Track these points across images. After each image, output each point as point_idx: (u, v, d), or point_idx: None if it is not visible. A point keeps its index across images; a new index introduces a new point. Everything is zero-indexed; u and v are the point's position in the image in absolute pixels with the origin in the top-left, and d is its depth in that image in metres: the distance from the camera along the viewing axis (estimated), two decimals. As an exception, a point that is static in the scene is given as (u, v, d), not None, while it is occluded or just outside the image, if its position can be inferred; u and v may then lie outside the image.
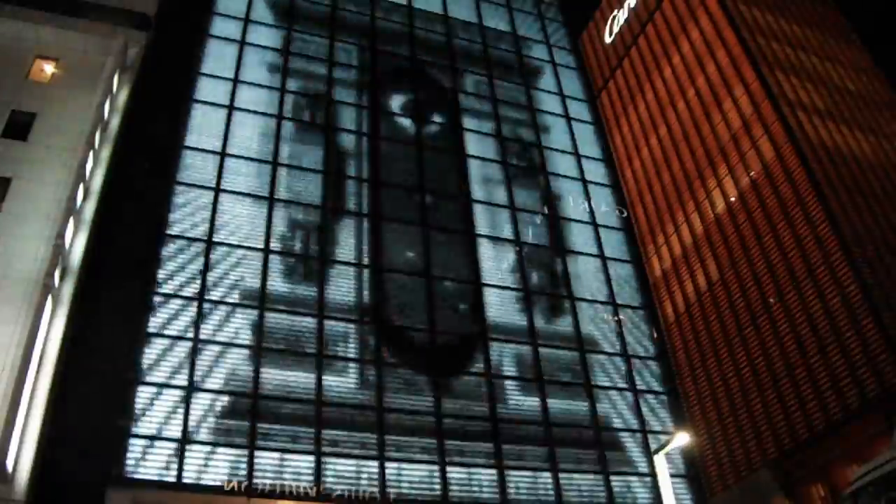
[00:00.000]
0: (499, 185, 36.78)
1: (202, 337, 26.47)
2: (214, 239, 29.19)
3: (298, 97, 36.11)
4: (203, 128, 32.68)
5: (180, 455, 23.77)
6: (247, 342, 26.97)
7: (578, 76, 46.24)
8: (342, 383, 27.42)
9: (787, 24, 42.78)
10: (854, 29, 46.27)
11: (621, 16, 51.21)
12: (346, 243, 31.43)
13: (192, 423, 24.51)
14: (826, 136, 35.84)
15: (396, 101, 38.52)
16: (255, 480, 23.98)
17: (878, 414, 26.94)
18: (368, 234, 32.04)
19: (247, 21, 38.20)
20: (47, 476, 21.56)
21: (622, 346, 32.99)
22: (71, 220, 24.72)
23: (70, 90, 28.81)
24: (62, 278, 24.22)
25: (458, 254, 33.13)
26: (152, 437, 23.89)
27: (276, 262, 29.60)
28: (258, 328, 27.33)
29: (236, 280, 28.51)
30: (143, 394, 24.60)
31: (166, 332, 26.19)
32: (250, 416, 25.28)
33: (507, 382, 29.75)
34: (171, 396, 24.87)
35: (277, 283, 28.98)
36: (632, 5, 50.31)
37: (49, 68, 29.59)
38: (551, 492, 27.32)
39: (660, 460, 20.95)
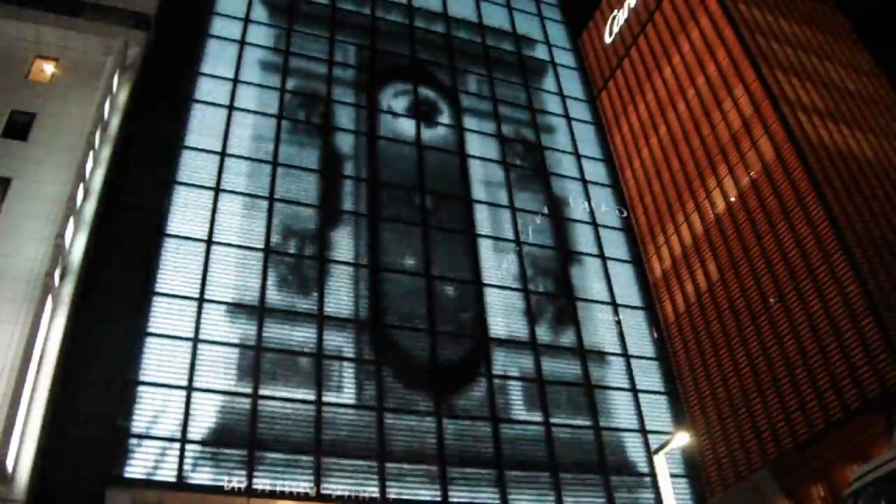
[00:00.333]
0: (500, 187, 36.78)
1: (202, 337, 26.47)
2: (214, 239, 29.19)
3: (297, 96, 36.11)
4: (203, 128, 32.68)
5: (180, 455, 23.76)
6: (247, 342, 26.97)
7: (578, 76, 46.24)
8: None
9: (787, 24, 42.79)
10: (854, 29, 46.27)
11: (621, 16, 51.21)
12: (344, 246, 31.38)
13: (192, 423, 24.50)
14: (826, 136, 35.85)
15: (398, 102, 38.52)
16: (255, 480, 23.98)
17: (878, 414, 26.96)
18: (366, 238, 31.99)
19: (247, 21, 38.21)
20: (47, 476, 21.57)
21: (622, 347, 32.98)
22: (71, 220, 24.72)
23: (70, 90, 28.82)
24: (62, 278, 24.23)
25: (459, 254, 33.11)
26: (152, 437, 23.89)
27: (273, 267, 29.59)
28: (258, 329, 27.33)
29: (236, 280, 28.52)
30: (142, 394, 24.59)
31: (166, 331, 26.19)
32: (250, 415, 25.28)
33: (511, 390, 29.74)
34: (171, 396, 24.85)
35: (273, 292, 28.93)
36: (632, 5, 50.32)
37: (49, 68, 29.60)
38: (552, 493, 27.33)
39: (660, 460, 20.96)
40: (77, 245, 25.31)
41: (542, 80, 44.09)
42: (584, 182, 39.25)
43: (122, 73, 30.36)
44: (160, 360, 25.49)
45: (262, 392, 25.93)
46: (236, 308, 27.73)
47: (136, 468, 23.24)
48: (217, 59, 35.65)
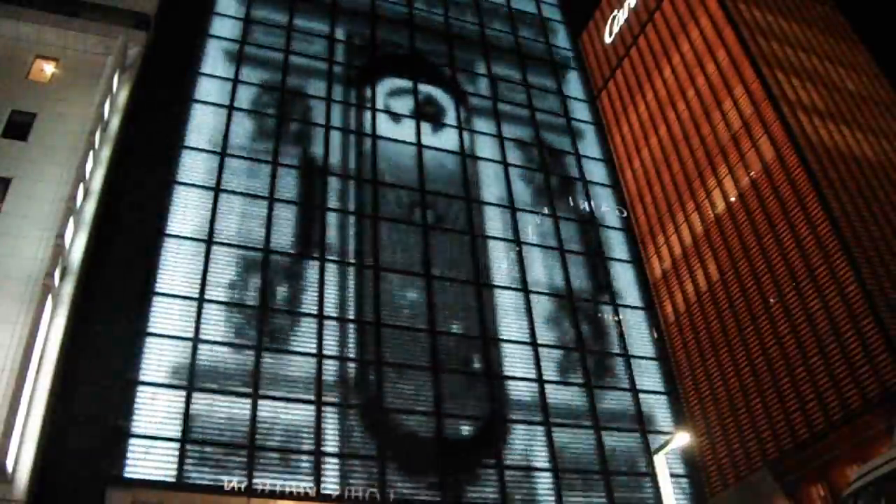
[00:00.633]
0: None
1: (202, 337, 26.47)
2: (214, 239, 29.19)
3: (298, 96, 36.12)
4: (203, 128, 32.67)
5: (180, 455, 23.77)
6: (247, 342, 26.96)
7: (578, 76, 46.25)
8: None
9: (787, 24, 42.79)
10: (854, 29, 46.26)
11: (621, 16, 51.20)
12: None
13: (192, 423, 24.50)
14: (826, 136, 35.85)
15: (395, 101, 38.50)
16: (255, 480, 23.98)
17: (878, 414, 26.94)
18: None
19: (247, 21, 38.20)
20: (47, 476, 21.57)
21: (622, 346, 32.98)
22: (71, 220, 24.73)
23: (70, 90, 28.83)
24: (62, 278, 24.23)
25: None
26: (152, 437, 23.89)
27: (273, 268, 29.59)
28: (258, 328, 27.32)
29: (236, 280, 28.51)
30: (142, 394, 24.59)
31: (166, 331, 26.19)
32: (251, 415, 25.27)
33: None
34: (171, 396, 24.86)
35: (273, 292, 28.93)
36: (632, 5, 50.31)
37: (49, 68, 29.60)
38: (552, 494, 27.33)
39: (660, 460, 20.95)
40: (77, 245, 25.31)
41: (542, 79, 44.08)
42: (584, 182, 39.27)
43: (122, 73, 30.35)
44: (160, 360, 25.49)
45: (262, 392, 25.93)
46: (236, 308, 27.73)
47: (136, 468, 23.24)
48: (217, 59, 35.66)
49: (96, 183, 27.24)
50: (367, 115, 36.95)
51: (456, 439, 27.68)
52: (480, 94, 40.95)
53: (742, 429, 32.58)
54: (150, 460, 23.50)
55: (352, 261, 30.96)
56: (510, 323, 31.76)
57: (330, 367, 27.58)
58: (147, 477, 23.17)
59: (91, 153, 26.83)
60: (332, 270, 30.35)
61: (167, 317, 26.53)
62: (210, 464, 23.99)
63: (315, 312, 28.64)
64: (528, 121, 40.97)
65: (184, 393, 24.97)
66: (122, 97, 30.17)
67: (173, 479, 23.31)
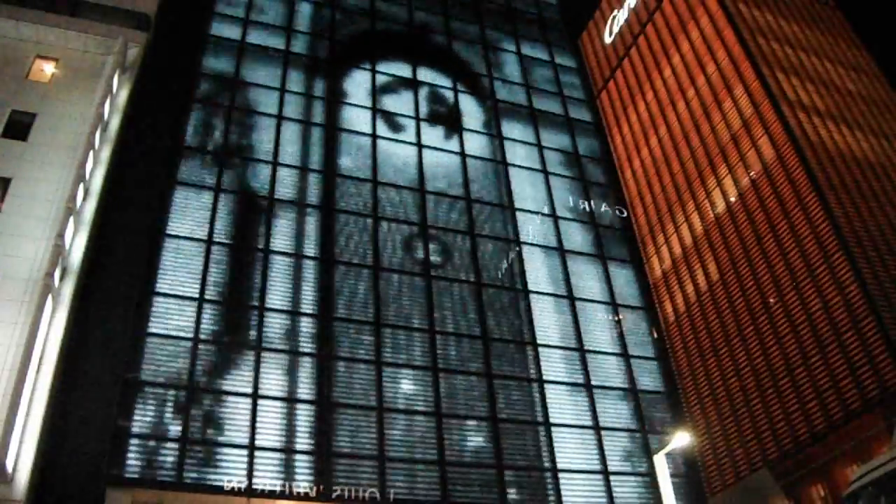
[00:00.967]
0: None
1: (202, 337, 26.46)
2: (214, 239, 29.19)
3: (297, 96, 36.12)
4: (203, 128, 32.66)
5: (180, 455, 23.76)
6: (247, 342, 26.96)
7: (578, 76, 46.24)
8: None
9: (787, 24, 42.79)
10: (854, 29, 46.26)
11: (621, 16, 51.19)
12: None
13: (192, 423, 24.50)
14: (826, 136, 35.85)
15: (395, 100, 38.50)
16: (255, 480, 23.98)
17: (878, 414, 26.95)
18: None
19: (246, 21, 38.21)
20: (47, 476, 21.57)
21: (622, 347, 32.97)
22: (71, 220, 24.72)
23: (70, 90, 28.82)
24: (62, 278, 24.23)
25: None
26: (152, 437, 23.89)
27: (272, 267, 29.58)
28: (258, 329, 27.32)
29: (236, 280, 28.51)
30: (143, 394, 24.60)
31: (166, 331, 26.18)
32: (251, 415, 25.27)
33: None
34: (171, 396, 24.86)
35: (272, 291, 28.91)
36: (632, 5, 50.30)
37: (49, 68, 29.59)
38: (552, 494, 27.32)
39: (660, 460, 20.95)
40: (77, 245, 25.30)
41: (542, 79, 44.08)
42: (585, 182, 39.27)
43: (122, 73, 30.35)
44: (160, 360, 25.49)
45: (262, 392, 25.93)
46: (236, 308, 27.72)
47: (136, 468, 23.25)
48: (217, 58, 35.66)
49: (96, 183, 27.23)
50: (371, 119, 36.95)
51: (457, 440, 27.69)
52: (482, 96, 40.98)
53: (742, 429, 32.57)
54: (150, 460, 23.50)
55: (354, 261, 30.94)
56: (510, 323, 31.76)
57: (330, 367, 27.58)
58: (147, 477, 23.17)
59: (91, 153, 26.82)
60: (336, 269, 30.36)
61: (167, 317, 26.53)
62: (210, 464, 23.99)
63: (315, 312, 28.63)
64: (528, 121, 40.99)
65: (184, 393, 24.97)
66: (122, 97, 30.15)
67: (173, 479, 23.31)
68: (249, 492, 23.65)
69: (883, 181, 35.10)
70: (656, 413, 31.36)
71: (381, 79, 39.03)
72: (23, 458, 20.90)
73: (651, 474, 28.58)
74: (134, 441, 23.60)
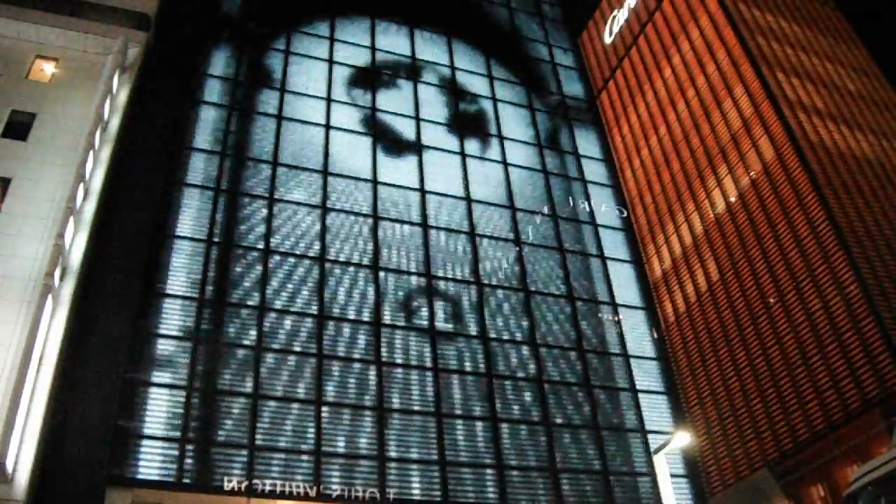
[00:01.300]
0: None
1: (202, 336, 26.46)
2: (214, 239, 29.19)
3: (298, 95, 36.12)
4: (203, 128, 32.66)
5: (180, 455, 23.77)
6: (247, 342, 26.96)
7: (578, 76, 46.28)
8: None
9: (787, 24, 42.76)
10: (854, 29, 46.22)
11: (621, 16, 51.16)
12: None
13: (192, 423, 24.50)
14: (826, 136, 35.81)
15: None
16: (255, 480, 23.97)
17: (878, 414, 26.92)
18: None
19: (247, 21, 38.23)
20: (47, 476, 21.57)
21: (622, 346, 32.98)
22: (71, 220, 24.71)
23: (70, 90, 28.81)
24: (62, 278, 24.21)
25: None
26: (152, 437, 23.89)
27: (274, 267, 29.58)
28: (258, 329, 27.31)
29: (236, 280, 28.50)
30: (143, 394, 24.60)
31: (166, 331, 26.19)
32: (251, 415, 25.27)
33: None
34: (172, 396, 24.86)
35: (273, 292, 28.93)
36: (632, 5, 50.27)
37: (49, 68, 29.59)
38: (551, 493, 27.30)
39: (660, 460, 20.94)
40: (77, 245, 25.29)
41: (542, 79, 44.07)
42: (584, 182, 39.28)
43: (122, 73, 30.33)
44: (160, 361, 25.50)
45: (262, 392, 25.92)
46: (236, 308, 27.72)
47: (136, 468, 23.25)
48: (218, 58, 35.65)
49: (96, 183, 27.21)
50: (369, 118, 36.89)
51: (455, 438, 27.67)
52: (482, 96, 40.94)
53: (742, 429, 32.56)
54: (150, 460, 23.50)
55: (355, 260, 30.93)
56: (510, 323, 31.76)
57: (330, 367, 27.56)
58: (147, 477, 23.18)
59: (91, 153, 26.80)
60: (334, 268, 30.34)
61: (168, 317, 26.54)
62: (210, 464, 23.99)
63: (315, 312, 28.63)
64: (529, 123, 40.98)
65: (184, 393, 24.97)
66: (122, 97, 30.14)
67: (173, 479, 23.32)
68: (249, 492, 23.65)
69: (883, 181, 35.06)
70: (656, 413, 31.37)
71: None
72: (23, 458, 20.88)
73: (651, 474, 28.58)
74: (134, 441, 23.60)
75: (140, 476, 23.15)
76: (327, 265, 30.32)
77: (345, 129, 35.73)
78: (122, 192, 28.27)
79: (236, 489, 23.57)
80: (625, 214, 39.06)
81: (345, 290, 29.85)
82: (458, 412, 28.17)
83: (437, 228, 33.51)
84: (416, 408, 27.73)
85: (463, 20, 45.19)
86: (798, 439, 28.99)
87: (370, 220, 32.57)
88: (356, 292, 30.00)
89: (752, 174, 35.43)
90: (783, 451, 29.52)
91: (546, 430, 28.78)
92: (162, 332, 26.12)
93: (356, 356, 28.21)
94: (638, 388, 31.69)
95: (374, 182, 34.04)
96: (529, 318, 32.08)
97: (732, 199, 36.05)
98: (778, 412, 30.37)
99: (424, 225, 33.36)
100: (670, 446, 20.67)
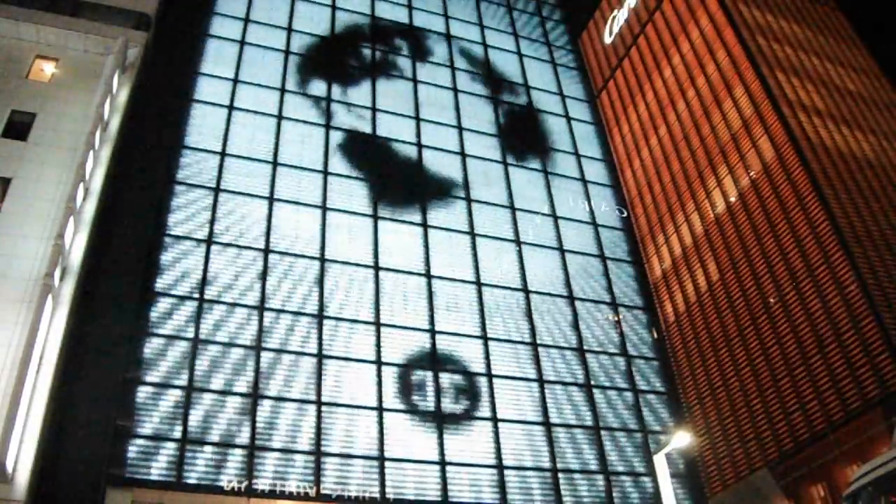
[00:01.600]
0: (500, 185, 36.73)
1: (202, 336, 26.46)
2: (214, 239, 29.19)
3: (301, 97, 36.13)
4: (203, 128, 32.67)
5: (180, 455, 23.76)
6: (247, 342, 26.95)
7: (578, 76, 46.31)
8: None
9: (787, 25, 42.77)
10: (854, 29, 46.23)
11: (621, 16, 51.18)
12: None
13: (192, 423, 24.50)
14: (826, 136, 35.83)
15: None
16: (255, 480, 23.97)
17: (878, 414, 26.93)
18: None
19: (247, 21, 38.22)
20: (47, 476, 21.56)
21: (622, 346, 32.98)
22: (71, 220, 24.70)
23: (70, 90, 28.80)
24: (62, 278, 24.21)
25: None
26: (152, 437, 23.88)
27: (273, 266, 29.61)
28: (258, 329, 27.30)
29: (236, 280, 28.49)
30: (143, 394, 24.60)
31: (166, 331, 26.18)
32: (250, 415, 25.26)
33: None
34: (172, 396, 24.86)
35: (272, 292, 28.95)
36: (632, 5, 50.28)
37: (49, 68, 29.59)
38: (551, 493, 27.29)
39: (660, 460, 20.93)
40: (77, 245, 25.27)
41: (542, 79, 44.07)
42: (584, 182, 39.28)
43: (122, 73, 30.32)
44: (160, 360, 25.49)
45: (262, 392, 25.92)
46: (236, 308, 27.71)
47: (136, 468, 23.25)
48: (217, 58, 35.65)
49: (96, 183, 27.19)
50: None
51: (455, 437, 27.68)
52: (483, 96, 40.94)
53: (742, 429, 32.57)
54: (150, 460, 23.50)
55: (352, 261, 30.95)
56: (509, 323, 31.75)
57: (329, 367, 27.56)
58: (147, 477, 23.18)
59: (91, 153, 26.79)
60: (331, 268, 30.35)
61: (167, 317, 26.53)
62: (210, 464, 23.99)
63: (315, 312, 28.63)
64: (529, 122, 40.98)
65: (183, 393, 24.97)
66: (122, 97, 30.12)
67: (173, 479, 23.31)
68: (249, 492, 23.65)
69: (883, 181, 35.07)
70: (656, 413, 31.37)
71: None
72: (23, 459, 20.87)
73: (651, 474, 28.58)
74: (134, 441, 23.60)
75: (140, 476, 23.14)
76: (326, 265, 30.33)
77: (347, 131, 35.69)
78: (122, 192, 28.26)
79: (236, 489, 23.57)
80: (625, 214, 39.06)
81: (343, 289, 29.85)
82: (458, 412, 28.17)
83: (437, 227, 33.47)
84: (415, 408, 27.71)
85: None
86: (798, 439, 29.00)
87: (371, 220, 32.56)
88: (355, 292, 30.00)
89: (752, 174, 35.43)
90: (783, 451, 29.52)
91: (546, 429, 28.76)
92: (162, 331, 26.11)
93: (356, 356, 28.19)
94: (638, 388, 31.68)
95: (375, 182, 34.04)
96: (529, 319, 32.07)
97: (732, 199, 36.06)
98: (778, 412, 30.38)
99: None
100: (670, 446, 20.68)
